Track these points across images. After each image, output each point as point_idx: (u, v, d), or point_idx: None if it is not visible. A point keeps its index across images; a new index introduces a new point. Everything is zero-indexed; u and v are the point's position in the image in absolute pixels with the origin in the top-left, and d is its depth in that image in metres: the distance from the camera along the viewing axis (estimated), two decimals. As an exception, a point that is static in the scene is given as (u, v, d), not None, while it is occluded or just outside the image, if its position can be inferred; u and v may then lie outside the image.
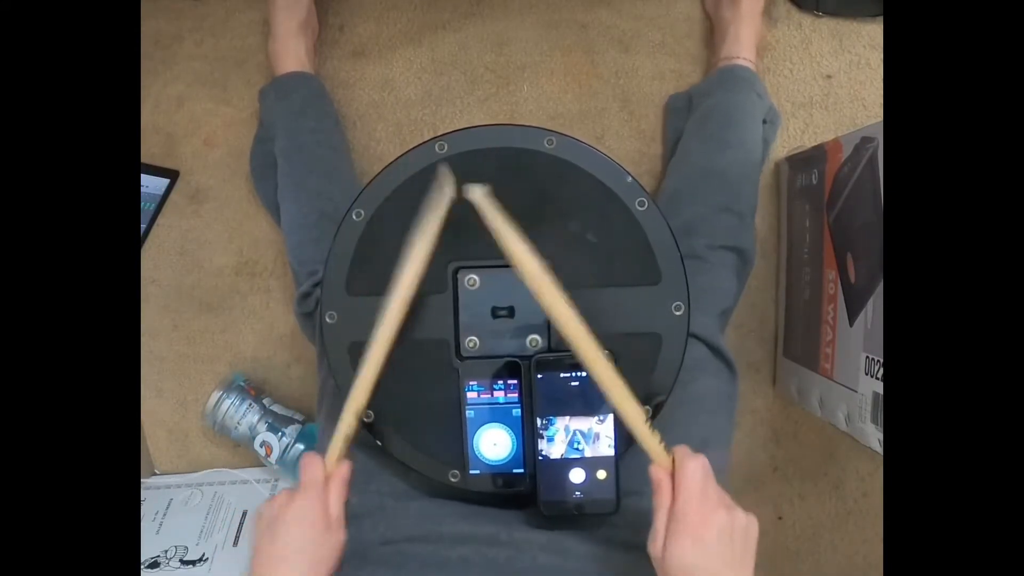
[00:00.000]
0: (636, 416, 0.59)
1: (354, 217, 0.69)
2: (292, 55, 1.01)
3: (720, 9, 1.04)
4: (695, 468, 0.55)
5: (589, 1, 1.09)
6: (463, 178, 0.69)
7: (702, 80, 1.07)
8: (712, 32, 1.08)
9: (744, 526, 0.55)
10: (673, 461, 0.57)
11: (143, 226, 1.08)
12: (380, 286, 0.68)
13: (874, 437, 0.79)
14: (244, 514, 1.02)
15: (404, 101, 1.10)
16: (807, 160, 0.98)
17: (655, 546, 0.55)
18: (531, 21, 1.09)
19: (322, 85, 1.03)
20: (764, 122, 0.99)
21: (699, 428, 0.75)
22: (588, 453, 0.66)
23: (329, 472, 0.60)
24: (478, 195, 0.59)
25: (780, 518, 1.14)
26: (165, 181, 1.07)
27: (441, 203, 0.61)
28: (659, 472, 0.57)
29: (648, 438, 0.58)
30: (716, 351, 0.79)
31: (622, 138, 1.09)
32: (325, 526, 0.58)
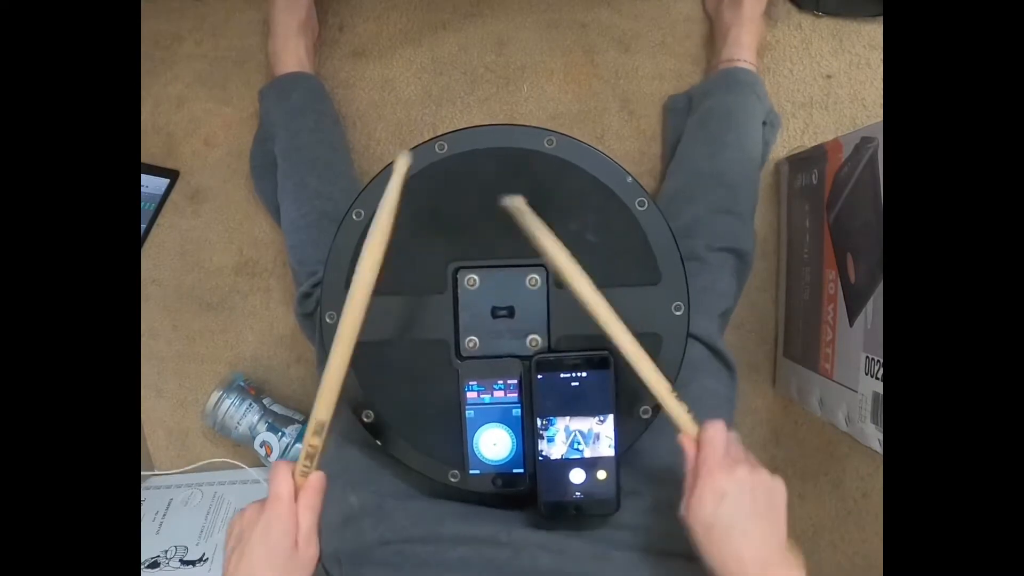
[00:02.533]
0: (665, 388, 0.60)
1: (354, 217, 0.69)
2: (292, 55, 1.01)
3: (721, 11, 1.04)
4: (717, 430, 0.58)
5: (589, 1, 1.10)
6: (463, 178, 0.69)
7: (702, 81, 1.07)
8: (712, 32, 1.08)
9: (768, 484, 0.57)
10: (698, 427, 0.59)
11: (143, 226, 1.08)
12: (380, 286, 0.69)
13: (874, 437, 0.79)
14: (244, 514, 1.03)
15: (404, 101, 1.10)
16: (807, 160, 0.98)
17: (682, 508, 0.57)
18: (531, 21, 1.10)
19: (322, 85, 1.03)
20: (764, 124, 0.99)
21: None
22: (588, 453, 0.66)
23: (299, 484, 0.56)
24: (516, 204, 0.60)
25: (780, 518, 1.14)
26: (165, 181, 1.08)
27: (390, 195, 0.58)
28: (686, 440, 0.59)
29: (676, 408, 0.60)
30: (715, 352, 0.79)
31: (622, 138, 1.10)
32: (292, 544, 0.54)
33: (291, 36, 1.01)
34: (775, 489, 0.57)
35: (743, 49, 1.01)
